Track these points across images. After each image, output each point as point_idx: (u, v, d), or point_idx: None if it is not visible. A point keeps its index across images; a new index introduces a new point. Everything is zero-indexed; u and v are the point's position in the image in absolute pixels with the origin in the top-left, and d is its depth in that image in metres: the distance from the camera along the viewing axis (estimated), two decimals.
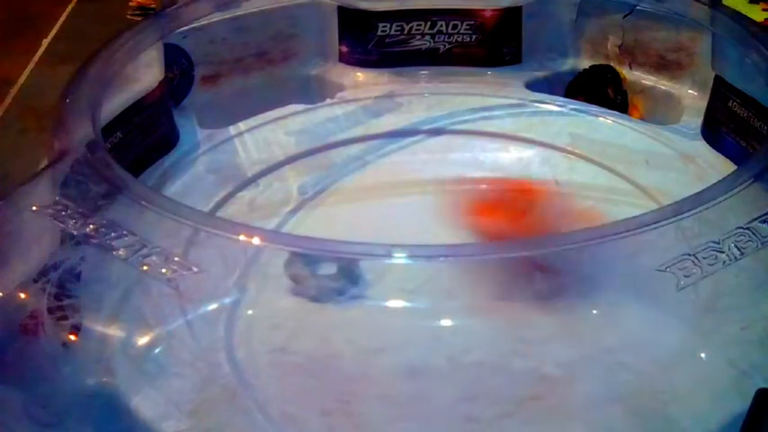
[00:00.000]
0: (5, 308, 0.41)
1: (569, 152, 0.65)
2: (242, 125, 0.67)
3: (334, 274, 0.45)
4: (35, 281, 0.41)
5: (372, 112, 0.69)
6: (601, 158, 0.64)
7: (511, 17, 0.73)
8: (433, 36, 0.73)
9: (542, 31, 0.74)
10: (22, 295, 0.41)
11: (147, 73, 0.60)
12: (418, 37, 0.73)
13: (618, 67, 0.73)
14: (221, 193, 0.60)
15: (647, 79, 0.71)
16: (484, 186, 0.64)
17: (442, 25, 0.72)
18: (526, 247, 0.42)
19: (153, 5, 0.93)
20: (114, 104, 0.56)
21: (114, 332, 0.42)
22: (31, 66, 0.95)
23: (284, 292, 0.45)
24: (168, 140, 0.63)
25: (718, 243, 0.40)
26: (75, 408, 0.40)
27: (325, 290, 0.45)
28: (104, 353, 0.42)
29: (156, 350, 0.43)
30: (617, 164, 0.63)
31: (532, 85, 0.72)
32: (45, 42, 1.01)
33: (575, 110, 0.69)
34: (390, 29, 0.72)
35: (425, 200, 0.62)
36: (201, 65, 0.70)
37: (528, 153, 0.66)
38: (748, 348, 0.42)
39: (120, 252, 0.40)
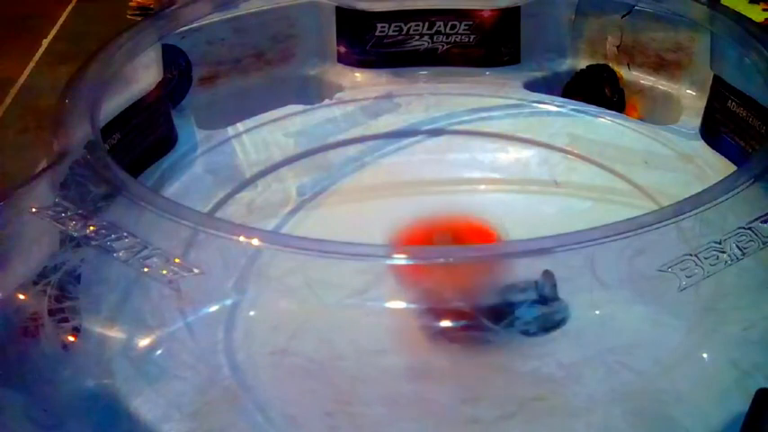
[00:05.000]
0: (5, 310, 0.41)
1: (568, 152, 0.65)
2: (240, 126, 0.67)
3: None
4: (35, 283, 0.41)
5: (371, 112, 0.69)
6: (599, 159, 0.64)
7: (509, 17, 0.73)
8: (431, 36, 0.73)
9: (540, 32, 0.74)
10: (22, 297, 0.41)
11: (145, 74, 0.60)
12: (417, 37, 0.73)
13: (615, 67, 0.73)
14: (220, 194, 0.60)
15: (646, 79, 0.71)
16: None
17: (440, 25, 0.72)
18: (527, 247, 0.42)
19: (153, 6, 0.93)
20: (113, 105, 0.56)
21: (115, 334, 0.42)
22: (31, 66, 0.95)
23: (284, 293, 0.45)
24: (167, 141, 0.63)
25: (720, 243, 0.40)
26: (75, 410, 0.40)
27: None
28: (105, 355, 0.41)
29: (157, 352, 0.42)
30: (616, 164, 0.63)
31: (531, 86, 0.72)
32: (45, 42, 1.01)
33: (573, 110, 0.68)
34: (389, 29, 0.72)
35: (424, 200, 0.62)
36: (199, 65, 0.70)
37: (526, 153, 0.66)
38: (750, 348, 0.42)
39: (121, 254, 0.40)
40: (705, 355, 0.43)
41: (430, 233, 0.57)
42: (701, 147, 0.63)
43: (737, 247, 0.40)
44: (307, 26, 0.73)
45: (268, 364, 0.44)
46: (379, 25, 0.72)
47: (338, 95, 0.71)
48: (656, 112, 0.71)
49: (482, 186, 0.64)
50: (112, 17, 0.96)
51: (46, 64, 0.96)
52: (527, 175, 0.64)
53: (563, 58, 0.75)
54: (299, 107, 0.69)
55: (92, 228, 0.41)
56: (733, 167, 0.57)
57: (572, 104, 0.69)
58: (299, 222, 0.60)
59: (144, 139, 0.60)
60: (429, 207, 0.61)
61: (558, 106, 0.69)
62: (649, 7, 0.69)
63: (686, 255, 0.39)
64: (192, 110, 0.68)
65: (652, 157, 0.63)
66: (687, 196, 0.42)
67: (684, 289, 0.39)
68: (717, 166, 0.60)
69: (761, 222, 0.40)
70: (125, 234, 0.41)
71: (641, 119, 0.70)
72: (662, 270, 0.39)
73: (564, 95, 0.73)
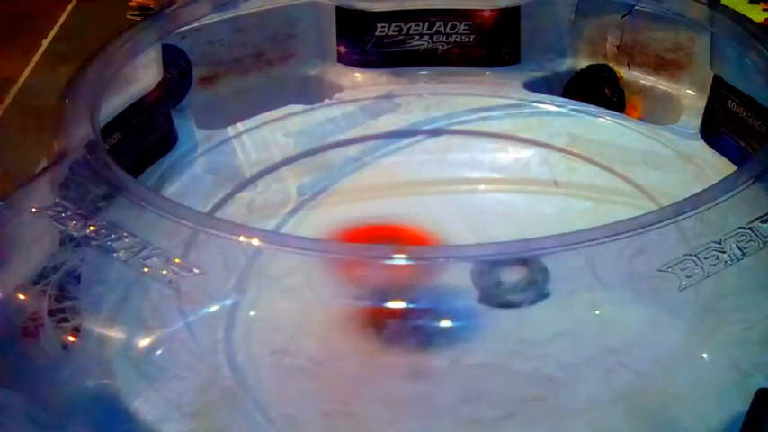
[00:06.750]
0: (5, 310, 0.41)
1: (568, 152, 0.65)
2: (240, 126, 0.67)
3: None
4: (35, 283, 0.41)
5: (371, 112, 0.69)
6: (599, 159, 0.64)
7: (509, 17, 0.73)
8: (431, 36, 0.73)
9: (540, 32, 0.74)
10: (22, 297, 0.41)
11: (145, 74, 0.60)
12: (417, 37, 0.73)
13: (615, 67, 0.73)
14: (220, 194, 0.60)
15: (646, 79, 0.71)
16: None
17: (440, 25, 0.72)
18: (527, 246, 0.42)
19: (153, 6, 0.93)
20: (113, 105, 0.56)
21: (115, 334, 0.42)
22: (31, 66, 0.95)
23: (284, 293, 0.45)
24: (167, 141, 0.63)
25: (720, 243, 0.40)
26: (75, 410, 0.40)
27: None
28: (105, 355, 0.41)
29: (157, 352, 0.43)
30: (616, 164, 0.63)
31: (531, 86, 0.72)
32: (45, 42, 1.00)
33: (573, 110, 0.68)
34: (389, 29, 0.72)
35: (424, 200, 0.62)
36: (199, 65, 0.70)
37: (526, 153, 0.66)
38: (750, 348, 0.42)
39: (121, 254, 0.40)
40: (705, 355, 0.43)
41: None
42: (700, 147, 0.63)
43: (737, 247, 0.40)
44: (307, 26, 0.73)
45: (268, 364, 0.44)
46: (379, 25, 0.72)
47: (338, 95, 0.71)
48: (656, 112, 0.71)
49: (482, 186, 0.64)
50: (112, 17, 0.96)
51: (46, 64, 0.96)
52: (527, 175, 0.64)
53: (563, 58, 0.75)
54: (299, 107, 0.69)
55: (92, 228, 0.41)
56: (733, 167, 0.57)
57: (572, 104, 0.69)
58: (299, 222, 0.60)
59: (144, 139, 0.60)
60: (429, 207, 0.61)
61: (558, 106, 0.69)
62: (649, 7, 0.69)
63: (686, 255, 0.39)
64: (192, 110, 0.68)
65: (652, 157, 0.63)
66: (687, 196, 0.42)
67: (684, 289, 0.39)
68: (717, 166, 0.60)
69: (761, 222, 0.40)
70: (125, 234, 0.41)
71: (641, 119, 0.70)
72: (662, 270, 0.39)
73: (564, 95, 0.73)
